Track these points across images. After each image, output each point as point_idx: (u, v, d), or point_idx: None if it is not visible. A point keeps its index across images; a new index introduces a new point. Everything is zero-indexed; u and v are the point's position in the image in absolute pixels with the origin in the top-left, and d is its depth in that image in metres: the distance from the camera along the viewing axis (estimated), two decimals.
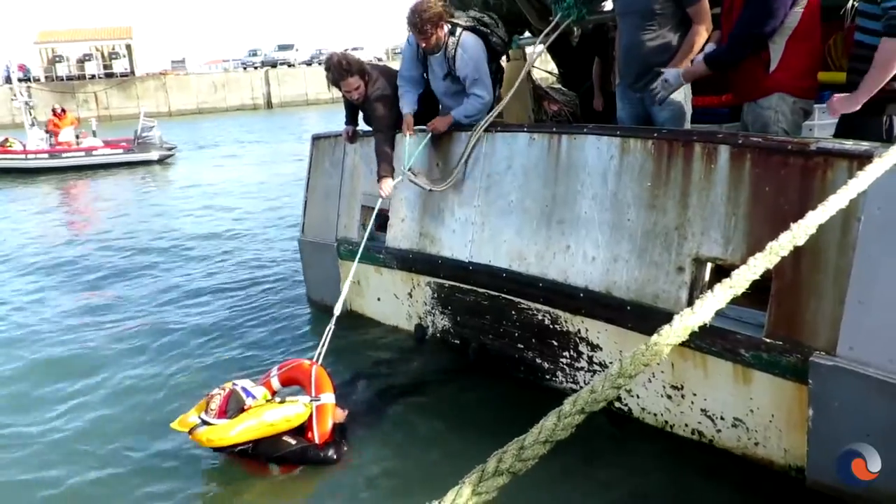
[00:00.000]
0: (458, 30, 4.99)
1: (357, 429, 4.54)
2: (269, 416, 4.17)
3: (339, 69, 5.26)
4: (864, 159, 2.92)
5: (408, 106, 5.34)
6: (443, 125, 5.14)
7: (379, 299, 6.05)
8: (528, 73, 5.97)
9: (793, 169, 3.34)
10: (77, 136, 21.73)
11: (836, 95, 3.59)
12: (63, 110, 22.42)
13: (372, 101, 5.42)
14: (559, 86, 7.02)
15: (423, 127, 5.27)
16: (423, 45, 5.05)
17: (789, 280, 3.35)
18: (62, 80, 49.77)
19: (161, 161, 21.98)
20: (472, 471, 1.15)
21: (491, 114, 5.06)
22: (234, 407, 4.17)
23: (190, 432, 4.15)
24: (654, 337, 1.39)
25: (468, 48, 5.00)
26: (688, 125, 4.49)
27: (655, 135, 3.99)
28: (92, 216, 14.03)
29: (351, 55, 5.45)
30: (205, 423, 4.12)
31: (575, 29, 5.94)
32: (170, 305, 7.56)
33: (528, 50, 6.31)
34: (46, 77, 49.90)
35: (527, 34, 6.55)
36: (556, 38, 5.24)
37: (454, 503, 1.04)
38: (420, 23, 4.89)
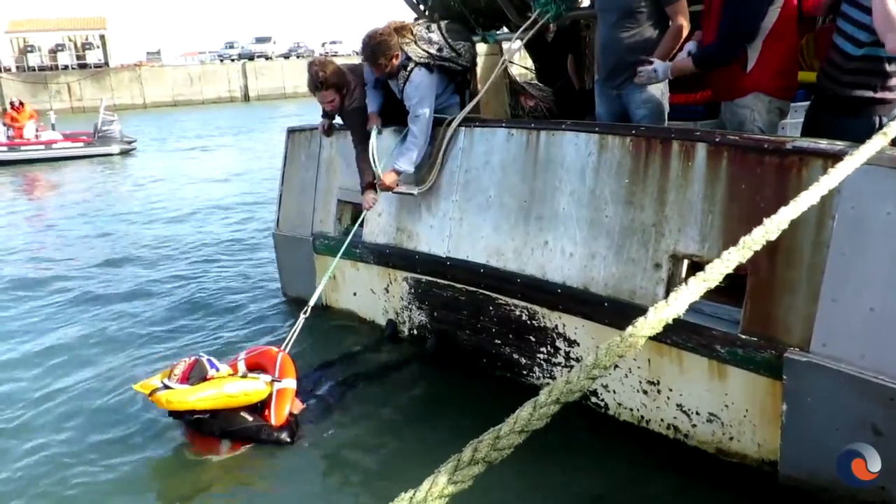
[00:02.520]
0: (411, 64, 4.93)
1: (327, 418, 4.52)
2: (229, 387, 4.24)
3: (314, 82, 5.17)
4: (837, 158, 2.95)
5: (373, 105, 5.34)
6: (391, 182, 5.03)
7: (355, 294, 6.01)
8: (505, 69, 5.96)
9: (768, 167, 3.37)
10: (36, 130, 21.25)
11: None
12: (21, 103, 21.74)
13: (348, 112, 5.38)
14: (535, 81, 7.03)
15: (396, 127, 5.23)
16: (376, 73, 5.05)
17: (765, 277, 3.38)
18: (34, 70, 48.83)
19: (122, 154, 21.70)
20: (448, 460, 1.13)
21: (465, 109, 5.04)
22: (196, 375, 4.27)
23: (150, 394, 4.18)
24: (629, 328, 1.39)
25: (415, 82, 4.94)
26: (665, 122, 4.51)
27: (633, 132, 3.99)
28: (52, 208, 13.71)
29: (330, 64, 5.27)
30: (166, 387, 4.18)
31: (551, 25, 5.95)
32: (135, 298, 7.36)
33: (505, 46, 6.30)
34: (18, 67, 48.96)
35: (504, 29, 6.54)
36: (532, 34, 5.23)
37: (430, 492, 1.03)
38: (372, 56, 4.89)
